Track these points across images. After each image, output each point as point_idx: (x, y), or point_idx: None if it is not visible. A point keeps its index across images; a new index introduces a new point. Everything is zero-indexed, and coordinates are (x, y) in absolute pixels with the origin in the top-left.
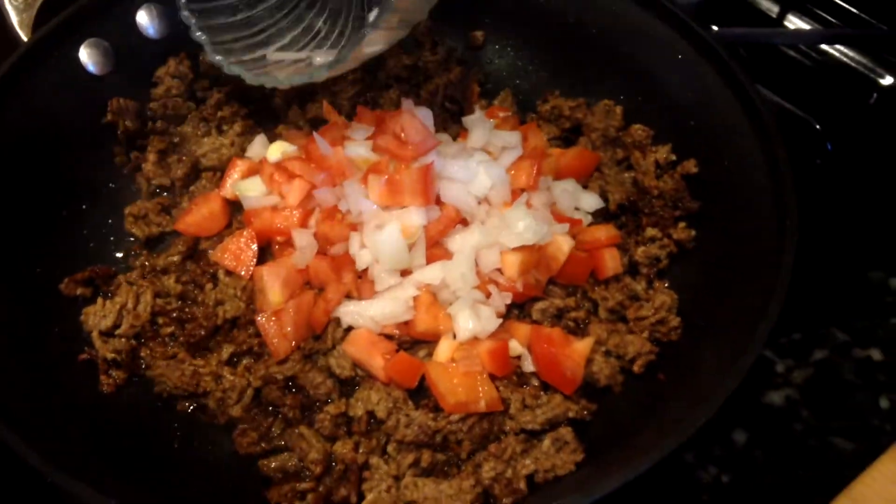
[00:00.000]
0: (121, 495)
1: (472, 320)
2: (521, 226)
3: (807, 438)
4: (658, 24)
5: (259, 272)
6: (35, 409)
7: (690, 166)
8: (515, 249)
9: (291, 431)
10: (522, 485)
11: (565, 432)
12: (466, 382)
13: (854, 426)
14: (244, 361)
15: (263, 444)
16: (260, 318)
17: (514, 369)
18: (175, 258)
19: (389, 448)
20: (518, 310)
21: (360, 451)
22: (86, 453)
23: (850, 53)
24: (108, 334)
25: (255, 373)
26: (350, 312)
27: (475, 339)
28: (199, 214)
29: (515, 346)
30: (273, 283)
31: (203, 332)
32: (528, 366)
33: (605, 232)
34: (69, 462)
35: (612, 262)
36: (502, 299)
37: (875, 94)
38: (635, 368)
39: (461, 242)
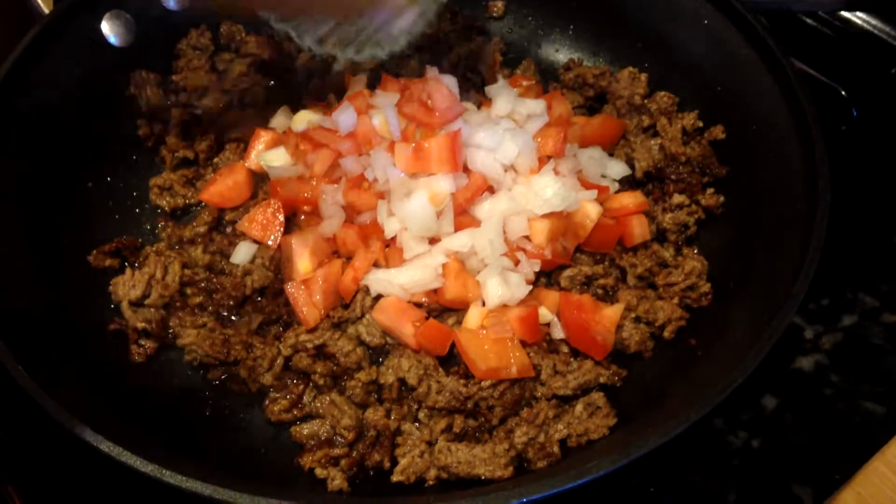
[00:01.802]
0: (158, 459)
1: (501, 287)
2: (549, 192)
3: (836, 403)
4: None
5: (287, 241)
6: (69, 379)
7: (718, 132)
8: (543, 216)
9: (323, 399)
10: (556, 449)
11: (597, 397)
12: (497, 349)
13: (884, 390)
14: (273, 330)
15: (295, 412)
16: (289, 287)
17: (543, 336)
18: (201, 229)
19: (421, 414)
20: (546, 278)
21: (392, 417)
22: (120, 421)
23: (873, 21)
24: (137, 304)
25: (284, 341)
26: (379, 280)
27: (504, 306)
28: (224, 185)
29: (545, 313)
30: (302, 252)
31: (231, 302)
32: (558, 333)
33: (632, 199)
34: (107, 428)
35: (639, 228)
36: (531, 266)
37: None
38: (666, 334)
39: (489, 210)
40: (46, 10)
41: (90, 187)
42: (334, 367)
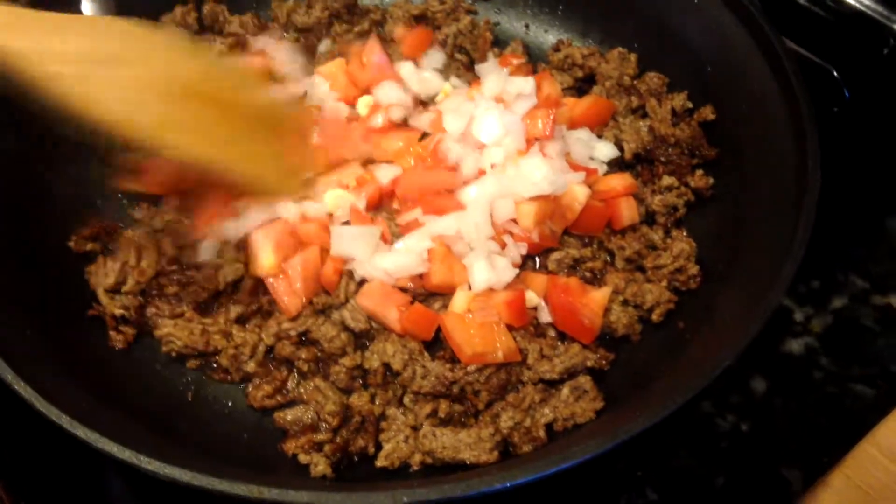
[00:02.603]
0: (135, 446)
1: (487, 271)
2: (538, 175)
3: (826, 385)
4: None
5: (250, 236)
6: (47, 366)
7: (707, 113)
8: (531, 199)
9: (307, 385)
10: (542, 433)
11: (584, 381)
12: (483, 333)
13: (874, 373)
14: (254, 320)
15: (278, 398)
16: (269, 279)
17: (530, 320)
18: (169, 216)
19: (406, 399)
20: (533, 261)
21: (377, 402)
22: (101, 407)
23: (866, 2)
24: (114, 291)
25: (266, 330)
26: (363, 265)
27: (491, 291)
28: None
29: (532, 297)
30: (265, 247)
31: (206, 295)
32: (545, 317)
33: (621, 181)
34: (85, 415)
35: (628, 211)
36: (518, 250)
37: (891, 41)
38: (654, 317)
39: (475, 193)
40: None
41: (70, 172)
42: (318, 353)
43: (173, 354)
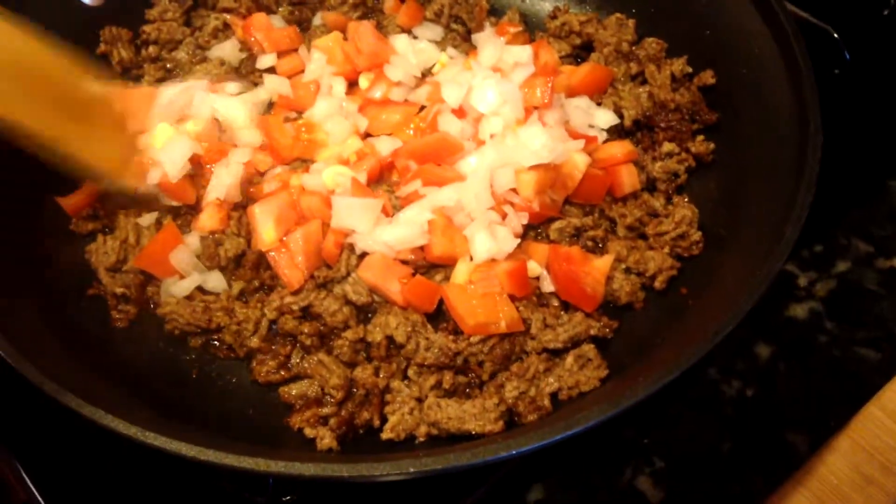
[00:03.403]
0: (141, 422)
1: (488, 241)
2: (537, 143)
3: (831, 349)
4: None
5: (251, 210)
6: (52, 345)
7: (707, 77)
8: (530, 168)
9: (310, 359)
10: (546, 402)
11: (588, 349)
12: (485, 303)
13: (879, 336)
14: (257, 296)
15: (282, 373)
16: (270, 252)
17: (533, 290)
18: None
19: (410, 372)
20: (535, 231)
21: (381, 375)
22: (106, 385)
23: None
24: (114, 270)
25: (269, 304)
26: (364, 238)
27: (493, 261)
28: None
29: (534, 267)
30: (265, 221)
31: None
32: (548, 286)
33: (620, 148)
34: (91, 393)
35: (629, 178)
36: (518, 219)
37: (892, 2)
38: (657, 284)
39: (475, 164)
40: None
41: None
42: (321, 327)
43: (176, 332)
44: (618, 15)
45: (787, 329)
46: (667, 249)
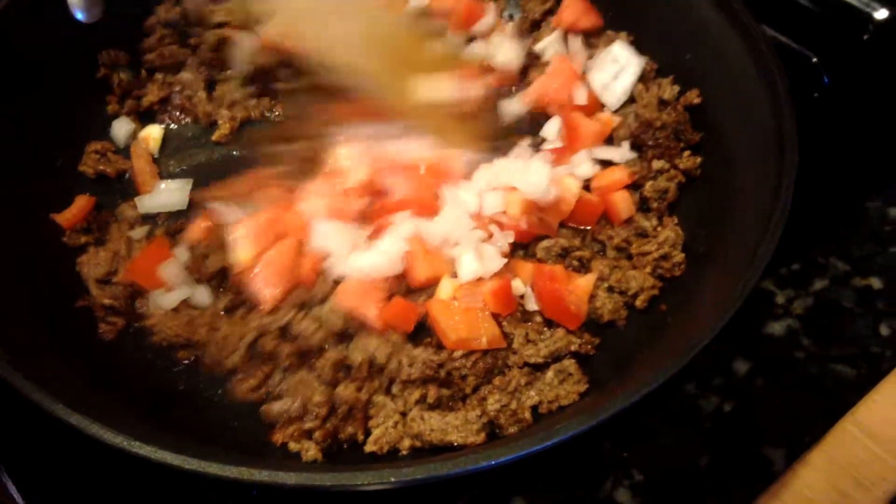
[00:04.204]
0: (129, 432)
1: (475, 262)
2: (539, 178)
3: (807, 366)
4: None
5: (230, 229)
6: (40, 355)
7: (693, 97)
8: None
9: (291, 378)
10: (527, 415)
11: (569, 364)
12: (468, 319)
13: (855, 353)
14: (240, 312)
15: (262, 391)
16: (244, 272)
17: (517, 308)
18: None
19: (394, 388)
20: (523, 250)
21: (363, 391)
22: (94, 395)
23: None
24: (104, 282)
25: (248, 323)
26: (340, 263)
27: (478, 279)
28: None
29: (518, 286)
30: (243, 239)
31: None
32: (532, 304)
33: (618, 174)
34: (79, 402)
35: (624, 205)
36: (505, 238)
37: (870, 28)
38: (638, 303)
39: (450, 195)
40: None
41: (59, 165)
42: (301, 347)
43: (164, 344)
44: (608, 32)
45: (765, 345)
46: (649, 269)
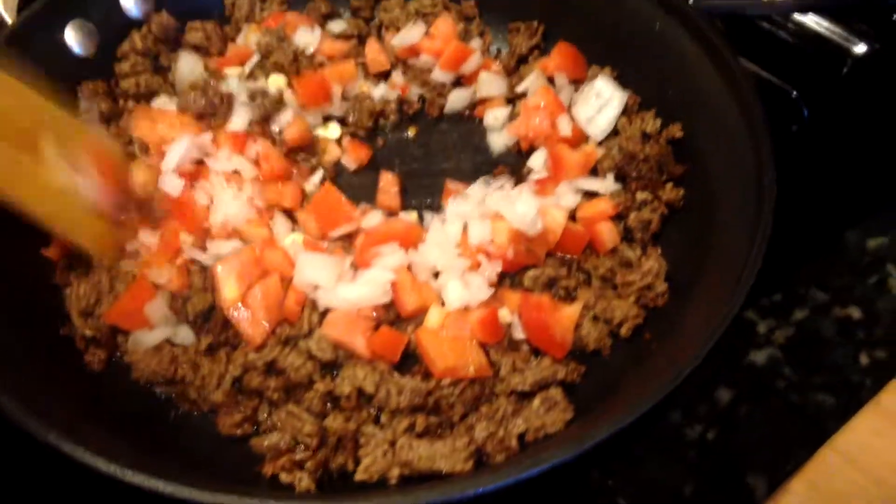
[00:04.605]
0: (121, 460)
1: (461, 290)
2: (527, 211)
3: (789, 395)
4: None
5: (213, 269)
6: (34, 384)
7: (675, 131)
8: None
9: (279, 413)
10: (514, 443)
11: (555, 393)
12: (455, 348)
13: (835, 382)
14: (223, 351)
15: (246, 426)
16: (230, 310)
17: (504, 337)
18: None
19: (383, 417)
20: (510, 279)
21: (352, 422)
22: (86, 424)
23: (825, 23)
24: (87, 314)
25: (233, 361)
26: (326, 294)
27: (465, 308)
28: None
29: (505, 315)
30: (227, 278)
31: None
32: (519, 333)
33: (602, 205)
34: (70, 431)
35: (609, 235)
36: (493, 268)
37: (849, 62)
38: (622, 332)
39: (434, 225)
40: (10, 20)
41: None
42: (287, 382)
43: (142, 381)
44: (594, 66)
45: (747, 374)
46: (633, 299)
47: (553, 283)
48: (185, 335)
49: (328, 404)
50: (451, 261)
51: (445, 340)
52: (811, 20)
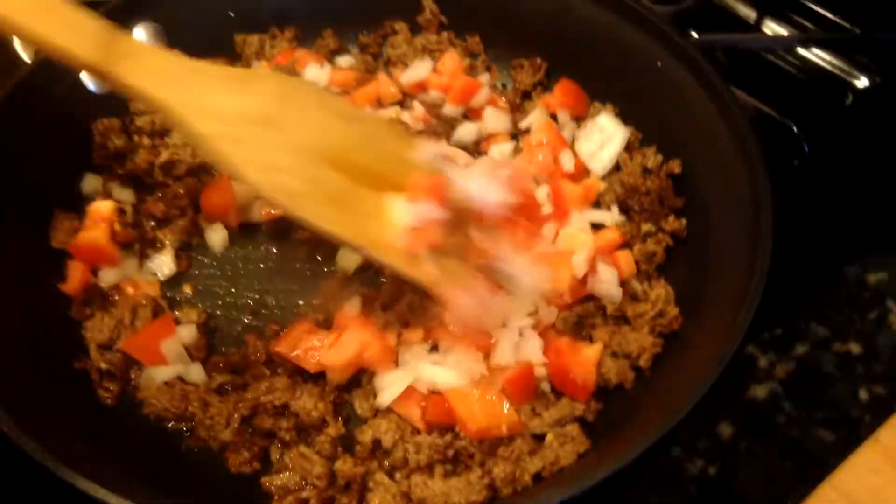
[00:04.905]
0: (133, 496)
1: (511, 353)
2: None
3: (789, 430)
4: (637, 32)
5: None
6: (49, 418)
7: (675, 166)
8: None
9: (289, 452)
10: (528, 478)
11: (571, 429)
12: (486, 409)
13: (835, 417)
14: (234, 393)
15: (255, 464)
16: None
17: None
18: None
19: (397, 474)
20: None
21: (362, 467)
22: (99, 459)
23: (827, 57)
24: (106, 347)
25: (244, 402)
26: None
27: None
28: None
29: (541, 372)
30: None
31: None
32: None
33: (612, 234)
34: (82, 467)
35: (626, 263)
36: (550, 315)
37: (851, 96)
38: (642, 363)
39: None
40: (28, 60)
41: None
42: (298, 422)
43: (152, 417)
44: (595, 103)
45: (748, 409)
46: (647, 329)
47: (582, 322)
48: (196, 374)
49: (338, 448)
50: (522, 316)
51: (476, 401)
52: (814, 54)
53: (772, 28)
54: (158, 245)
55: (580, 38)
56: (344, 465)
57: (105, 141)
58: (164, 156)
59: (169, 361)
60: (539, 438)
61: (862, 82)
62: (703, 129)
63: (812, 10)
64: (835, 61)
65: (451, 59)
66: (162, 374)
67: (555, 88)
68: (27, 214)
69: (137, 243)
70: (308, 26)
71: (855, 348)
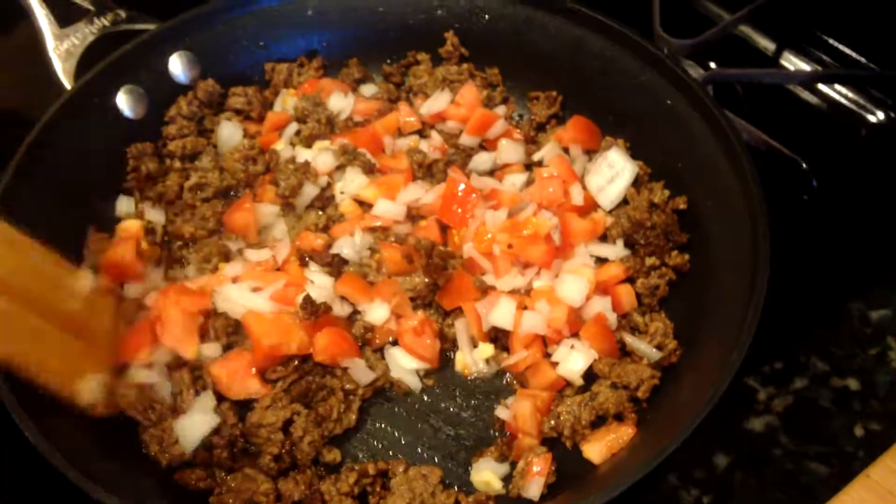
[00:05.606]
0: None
1: (581, 360)
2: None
3: (784, 463)
4: (648, 69)
5: None
6: (78, 435)
7: (680, 203)
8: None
9: (235, 476)
10: None
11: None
12: (279, 326)
13: (829, 452)
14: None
15: (209, 482)
16: None
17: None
18: None
19: None
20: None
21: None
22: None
23: (843, 90)
24: None
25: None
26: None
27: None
28: None
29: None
30: None
31: None
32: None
33: (616, 269)
34: (107, 478)
35: (627, 297)
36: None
37: (864, 131)
38: (640, 394)
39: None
40: (68, 86)
41: None
42: (247, 445)
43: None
44: (608, 138)
45: (745, 441)
46: (646, 361)
47: None
48: (163, 386)
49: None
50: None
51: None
52: (830, 87)
53: (791, 60)
54: (184, 262)
55: (594, 72)
56: (286, 484)
57: (138, 164)
58: (194, 179)
59: (153, 364)
60: None
61: (877, 116)
62: (709, 166)
63: (830, 44)
64: (849, 94)
65: (470, 92)
66: (138, 375)
67: (568, 123)
68: (67, 235)
69: (163, 261)
70: (335, 55)
71: (853, 384)
